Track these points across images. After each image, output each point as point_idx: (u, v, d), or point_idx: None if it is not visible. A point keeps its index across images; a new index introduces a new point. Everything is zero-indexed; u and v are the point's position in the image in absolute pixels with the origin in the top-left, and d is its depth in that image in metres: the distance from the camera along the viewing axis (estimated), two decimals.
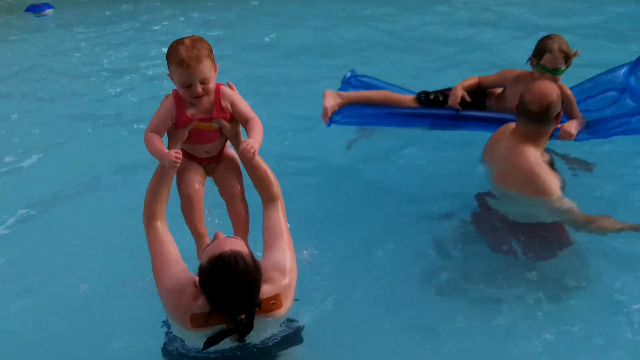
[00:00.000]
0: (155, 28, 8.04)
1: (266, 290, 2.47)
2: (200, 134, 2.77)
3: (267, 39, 7.53)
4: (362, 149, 4.62)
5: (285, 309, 2.55)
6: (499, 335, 3.02)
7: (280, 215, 2.77)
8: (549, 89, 3.33)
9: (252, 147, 2.62)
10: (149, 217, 2.70)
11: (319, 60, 6.68)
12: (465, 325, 3.07)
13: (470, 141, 4.23)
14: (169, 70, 2.62)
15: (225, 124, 2.74)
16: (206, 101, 2.68)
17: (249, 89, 5.72)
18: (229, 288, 2.30)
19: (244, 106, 2.76)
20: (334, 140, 4.64)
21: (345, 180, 4.39)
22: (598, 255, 3.39)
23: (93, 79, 6.58)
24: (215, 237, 2.50)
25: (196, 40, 2.61)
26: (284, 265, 2.60)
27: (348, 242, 3.68)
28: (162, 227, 2.70)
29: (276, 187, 2.82)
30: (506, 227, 3.54)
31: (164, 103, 2.71)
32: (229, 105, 2.72)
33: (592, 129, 3.93)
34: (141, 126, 5.10)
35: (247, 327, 2.40)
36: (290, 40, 7.40)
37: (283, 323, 2.60)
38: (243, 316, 2.36)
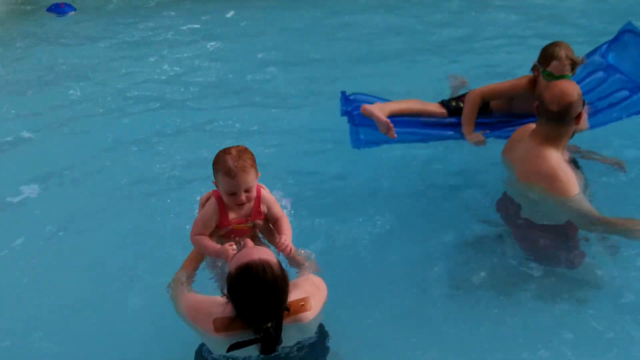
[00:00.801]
0: (173, 33, 8.20)
1: (295, 294, 2.51)
2: (234, 231, 3.00)
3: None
4: (381, 156, 4.61)
5: (313, 314, 2.55)
6: (515, 338, 3.09)
7: (314, 267, 2.91)
8: (569, 88, 3.32)
9: (288, 245, 2.89)
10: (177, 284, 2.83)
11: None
12: (473, 330, 3.17)
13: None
14: (215, 178, 2.84)
15: (260, 223, 3.01)
16: (247, 206, 2.92)
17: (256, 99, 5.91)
18: (256, 297, 2.32)
19: (277, 208, 3.03)
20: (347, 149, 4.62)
21: (364, 185, 4.45)
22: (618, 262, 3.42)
23: (111, 83, 6.62)
24: (244, 245, 2.66)
25: (242, 151, 2.83)
26: (315, 281, 2.72)
27: (366, 248, 3.76)
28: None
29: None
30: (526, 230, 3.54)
31: (207, 207, 2.93)
32: (266, 209, 2.97)
33: (597, 114, 4.07)
34: (156, 139, 5.24)
35: (274, 339, 2.39)
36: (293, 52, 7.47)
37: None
38: (269, 324, 2.37)
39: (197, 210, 3.07)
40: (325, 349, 2.74)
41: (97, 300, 3.48)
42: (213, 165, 2.82)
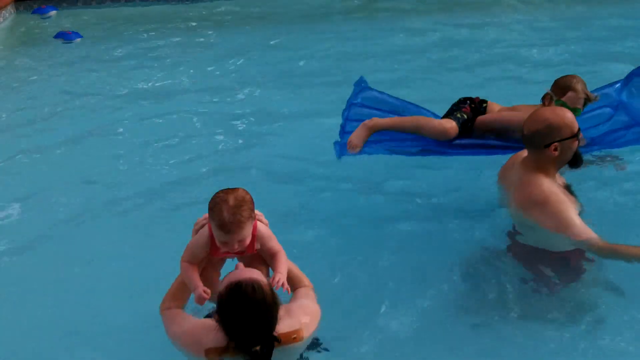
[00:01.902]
0: (181, 61, 8.28)
1: (288, 323, 2.50)
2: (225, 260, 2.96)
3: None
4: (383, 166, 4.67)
5: (304, 344, 2.58)
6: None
7: (311, 296, 2.82)
8: (545, 115, 3.33)
9: (281, 284, 2.66)
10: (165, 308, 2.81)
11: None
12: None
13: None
14: (210, 220, 2.68)
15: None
16: None
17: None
18: (245, 315, 2.33)
19: (273, 243, 2.86)
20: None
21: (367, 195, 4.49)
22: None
23: (117, 108, 6.70)
24: (236, 267, 2.57)
25: (239, 201, 2.64)
26: (309, 308, 2.69)
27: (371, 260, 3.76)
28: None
29: (306, 281, 2.91)
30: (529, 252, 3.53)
31: (199, 238, 2.82)
32: (259, 245, 2.84)
33: (590, 145, 4.05)
34: (163, 156, 5.34)
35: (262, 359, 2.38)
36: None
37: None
38: (258, 348, 2.36)
39: (190, 234, 2.98)
40: None
41: (91, 311, 3.48)
42: (209, 208, 2.67)
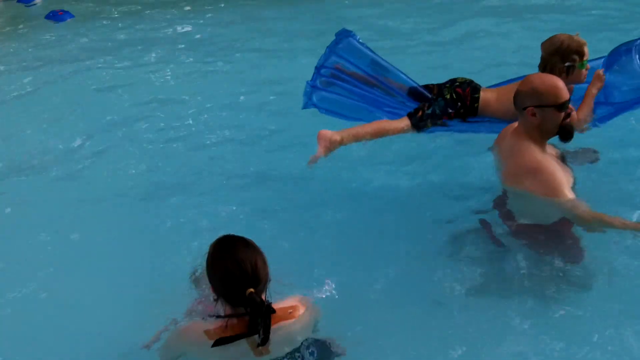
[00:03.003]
0: (171, 36, 8.26)
1: (283, 303, 2.53)
2: None
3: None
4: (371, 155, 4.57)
5: (300, 324, 2.56)
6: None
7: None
8: (531, 78, 3.31)
9: None
10: None
11: None
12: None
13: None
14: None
15: None
16: None
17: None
18: (231, 253, 2.37)
19: None
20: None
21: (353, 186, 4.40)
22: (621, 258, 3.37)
23: (108, 88, 6.68)
24: None
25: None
26: (308, 300, 2.69)
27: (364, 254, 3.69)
28: None
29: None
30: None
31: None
32: None
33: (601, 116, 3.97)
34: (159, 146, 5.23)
35: (260, 306, 2.33)
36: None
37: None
38: (252, 290, 2.33)
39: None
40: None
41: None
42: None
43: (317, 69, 4.37)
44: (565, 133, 3.32)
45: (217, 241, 2.47)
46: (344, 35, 4.43)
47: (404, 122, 4.15)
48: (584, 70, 3.92)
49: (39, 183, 4.79)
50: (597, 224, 3.22)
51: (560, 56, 3.92)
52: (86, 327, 3.24)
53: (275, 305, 2.40)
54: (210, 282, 2.46)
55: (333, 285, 3.18)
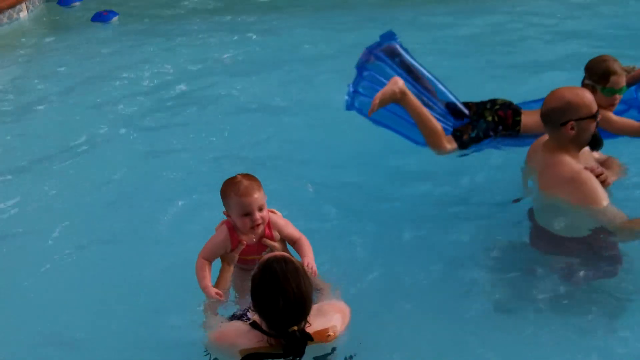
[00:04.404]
0: (214, 41, 8.36)
1: (320, 322, 2.53)
2: (251, 262, 3.05)
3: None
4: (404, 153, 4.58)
5: (337, 338, 2.60)
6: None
7: (337, 294, 2.92)
8: (562, 93, 3.32)
9: (312, 267, 2.89)
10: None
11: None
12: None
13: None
14: (227, 204, 2.91)
15: (275, 245, 3.00)
16: (258, 232, 2.96)
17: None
18: (279, 289, 2.34)
19: (291, 230, 3.06)
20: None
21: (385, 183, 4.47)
22: None
23: (154, 87, 6.90)
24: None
25: (247, 175, 2.94)
26: (339, 306, 2.75)
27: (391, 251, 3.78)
28: None
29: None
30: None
31: (218, 233, 3.01)
32: (277, 233, 3.03)
33: None
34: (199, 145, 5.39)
35: (299, 344, 2.39)
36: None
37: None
38: (295, 329, 2.38)
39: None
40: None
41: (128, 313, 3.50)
42: (222, 193, 2.92)
43: (359, 70, 4.32)
44: (597, 141, 3.40)
45: (264, 267, 2.41)
46: (387, 38, 4.38)
47: (451, 143, 4.15)
48: (606, 96, 3.88)
49: (85, 165, 5.13)
50: (634, 233, 3.25)
51: (588, 72, 3.94)
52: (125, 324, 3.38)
53: (314, 327, 2.46)
54: (253, 303, 2.47)
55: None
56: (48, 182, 4.96)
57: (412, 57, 4.43)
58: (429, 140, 4.13)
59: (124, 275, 3.74)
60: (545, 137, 3.52)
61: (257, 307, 2.46)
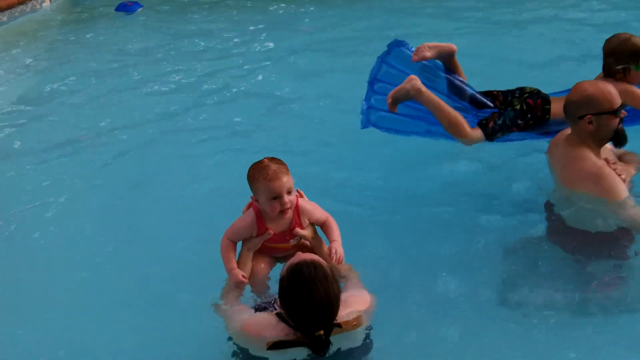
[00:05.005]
0: (241, 32, 8.34)
1: (346, 312, 2.56)
2: (278, 250, 3.03)
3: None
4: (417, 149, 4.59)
5: (364, 328, 2.65)
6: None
7: (361, 284, 2.91)
8: (582, 87, 3.28)
9: (339, 253, 2.88)
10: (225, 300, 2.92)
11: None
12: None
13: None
14: (254, 189, 2.84)
15: (305, 233, 2.96)
16: (287, 217, 2.90)
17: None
18: (308, 295, 2.38)
19: (319, 213, 3.01)
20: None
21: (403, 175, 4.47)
22: None
23: (177, 78, 6.92)
24: (296, 255, 2.65)
25: (274, 159, 2.87)
26: (364, 296, 2.75)
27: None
28: None
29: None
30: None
31: (245, 216, 2.97)
32: (306, 219, 2.97)
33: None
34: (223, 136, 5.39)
35: (324, 344, 2.45)
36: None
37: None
38: (322, 332, 2.43)
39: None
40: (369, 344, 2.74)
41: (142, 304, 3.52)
42: (249, 178, 2.85)
43: (370, 84, 4.29)
44: (620, 138, 3.37)
45: (293, 271, 2.43)
46: (395, 45, 4.36)
47: (478, 132, 4.07)
48: None
49: (106, 152, 5.20)
50: None
51: (616, 58, 3.83)
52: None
53: (341, 318, 2.50)
54: (281, 304, 2.51)
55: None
56: (64, 170, 5.03)
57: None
58: (451, 130, 4.03)
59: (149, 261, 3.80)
60: (568, 130, 3.49)
61: (285, 309, 2.50)
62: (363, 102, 4.24)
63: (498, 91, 4.31)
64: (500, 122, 4.05)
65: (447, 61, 4.28)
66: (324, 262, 2.53)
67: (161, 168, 4.97)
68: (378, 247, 3.75)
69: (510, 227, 3.78)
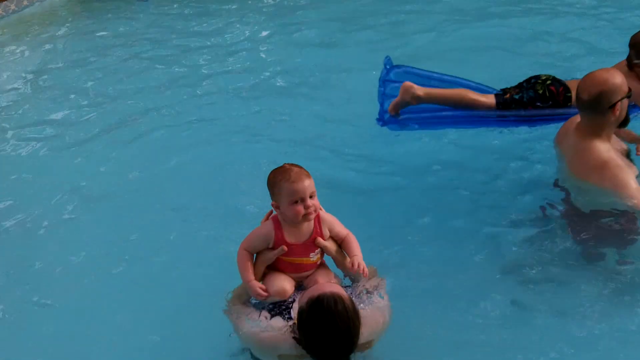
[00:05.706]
0: (257, 22, 8.25)
1: (363, 336, 2.48)
2: (298, 266, 2.82)
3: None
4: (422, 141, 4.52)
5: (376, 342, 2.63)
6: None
7: (382, 287, 2.82)
8: (603, 76, 3.29)
9: (363, 268, 2.72)
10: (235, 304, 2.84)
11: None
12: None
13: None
14: (276, 192, 2.68)
15: (327, 244, 2.79)
16: (306, 228, 2.75)
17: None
18: (328, 331, 2.33)
19: (340, 227, 2.84)
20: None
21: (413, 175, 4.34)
22: None
23: (192, 67, 6.86)
24: (316, 281, 2.63)
25: (295, 164, 2.73)
26: (383, 311, 2.69)
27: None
28: None
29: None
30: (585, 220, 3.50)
31: (263, 225, 2.83)
32: (327, 230, 2.80)
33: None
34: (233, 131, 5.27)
35: None
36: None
37: None
38: None
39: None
40: None
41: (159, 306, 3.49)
42: (269, 182, 2.72)
43: (381, 104, 4.37)
44: (626, 118, 3.46)
45: (314, 303, 2.37)
46: (389, 64, 4.51)
47: (489, 99, 4.17)
48: None
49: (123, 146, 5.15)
50: None
51: (636, 51, 3.93)
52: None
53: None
54: (300, 334, 2.45)
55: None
56: (88, 162, 5.02)
57: (422, 70, 4.52)
58: (465, 103, 4.16)
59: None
60: (577, 118, 3.51)
61: (303, 339, 2.45)
62: (377, 121, 4.39)
63: (510, 87, 4.38)
64: (517, 97, 4.17)
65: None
66: (345, 294, 2.45)
67: (180, 160, 4.91)
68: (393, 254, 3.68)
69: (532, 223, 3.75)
